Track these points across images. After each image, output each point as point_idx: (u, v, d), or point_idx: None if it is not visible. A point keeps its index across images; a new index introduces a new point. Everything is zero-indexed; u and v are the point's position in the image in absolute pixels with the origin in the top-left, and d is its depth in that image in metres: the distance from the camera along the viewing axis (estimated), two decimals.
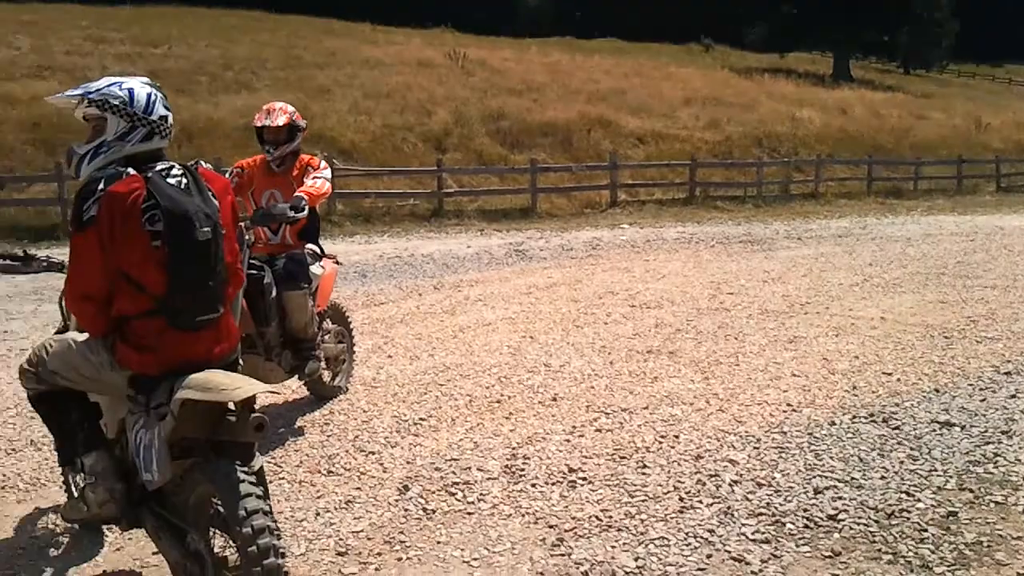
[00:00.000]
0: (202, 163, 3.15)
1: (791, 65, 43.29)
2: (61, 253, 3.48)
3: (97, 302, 2.92)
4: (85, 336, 3.08)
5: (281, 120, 5.23)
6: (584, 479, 4.43)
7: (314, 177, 5.20)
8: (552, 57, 31.19)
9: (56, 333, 3.64)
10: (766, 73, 36.40)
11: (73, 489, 3.64)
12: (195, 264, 2.85)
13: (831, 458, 4.70)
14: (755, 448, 4.86)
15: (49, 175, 14.22)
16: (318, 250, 5.50)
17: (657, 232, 15.56)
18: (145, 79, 3.06)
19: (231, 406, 2.83)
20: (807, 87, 32.83)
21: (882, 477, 4.43)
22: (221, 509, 2.76)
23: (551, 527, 3.92)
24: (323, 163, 5.43)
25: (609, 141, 21.15)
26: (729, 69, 36.28)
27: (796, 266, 11.57)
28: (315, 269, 5.31)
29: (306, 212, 4.94)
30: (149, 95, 2.98)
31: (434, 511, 4.07)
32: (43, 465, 4.61)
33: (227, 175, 4.80)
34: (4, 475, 4.50)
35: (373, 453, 4.79)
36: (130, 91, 2.94)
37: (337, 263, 5.83)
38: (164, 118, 2.98)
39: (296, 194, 4.98)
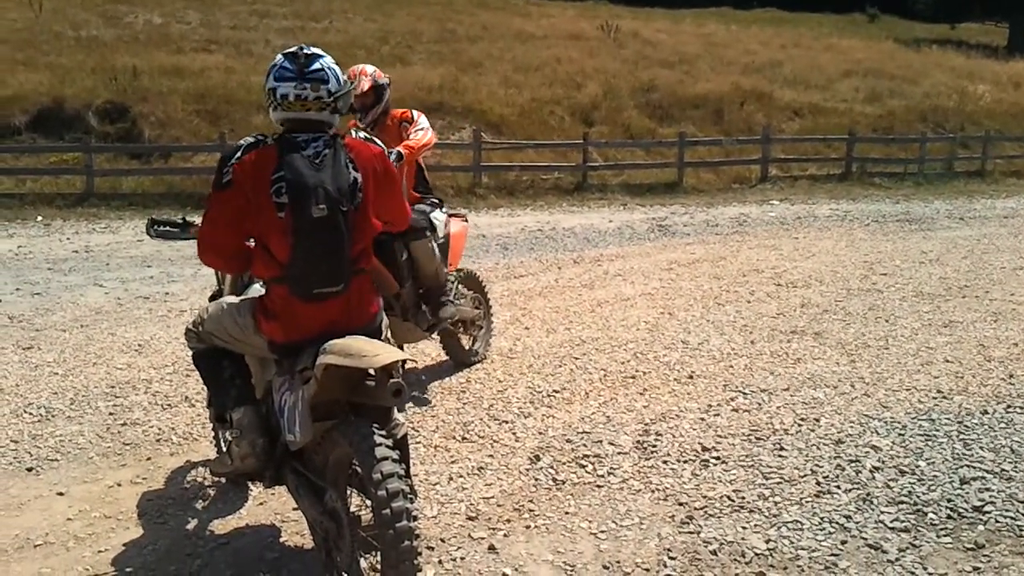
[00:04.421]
0: (352, 133, 3.18)
1: (962, 36, 40.59)
2: None
3: (224, 258, 3.11)
4: (236, 299, 3.26)
5: (365, 85, 5.20)
6: (717, 458, 4.38)
7: (416, 130, 5.25)
8: (707, 28, 30.37)
9: (210, 298, 3.86)
10: (934, 44, 34.31)
11: (222, 445, 3.87)
12: (311, 238, 2.89)
13: (981, 448, 4.49)
14: (900, 435, 4.68)
15: (213, 144, 14.88)
16: (435, 200, 5.53)
17: (809, 209, 15.03)
18: (292, 48, 3.10)
19: (371, 371, 2.91)
20: (978, 59, 30.69)
21: None
22: (359, 470, 2.86)
23: (681, 504, 3.89)
24: (417, 113, 5.42)
25: (763, 114, 20.48)
26: (894, 40, 34.37)
27: (956, 247, 10.98)
28: (436, 214, 5.37)
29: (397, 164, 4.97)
30: (269, 67, 3.06)
31: (564, 482, 4.11)
32: (195, 421, 4.91)
33: None
34: (159, 429, 4.82)
35: (507, 422, 4.87)
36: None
37: (465, 221, 5.90)
38: (272, 91, 3.01)
39: (395, 149, 5.03)
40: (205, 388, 3.55)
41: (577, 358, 6.08)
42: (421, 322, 5.27)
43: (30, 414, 4.99)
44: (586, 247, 11.06)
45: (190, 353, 3.48)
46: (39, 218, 12.95)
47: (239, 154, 2.94)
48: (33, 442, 4.60)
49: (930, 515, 3.77)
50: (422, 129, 5.27)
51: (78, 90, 16.20)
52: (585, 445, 4.53)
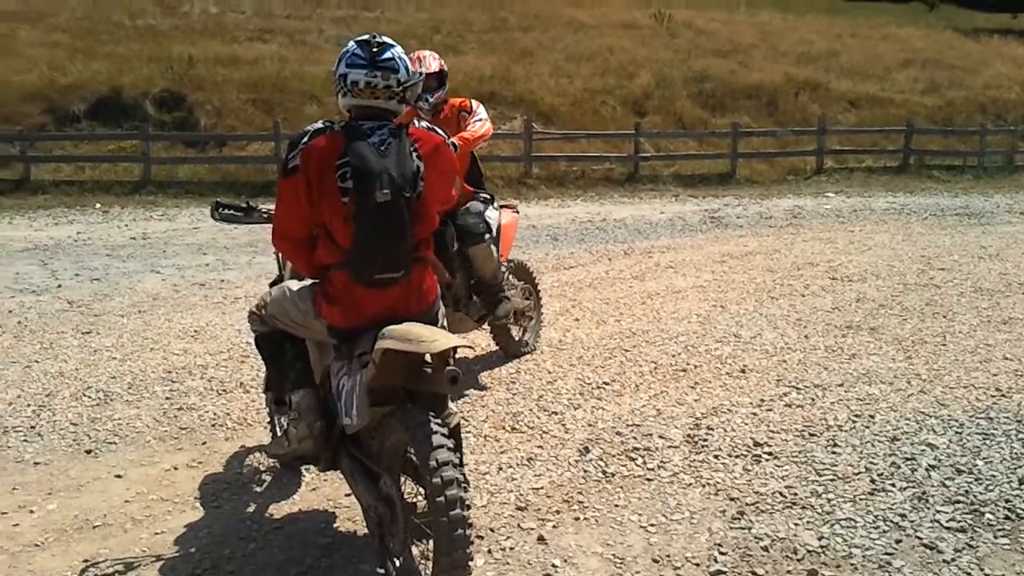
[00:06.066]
0: (415, 122, 3.21)
1: None
2: None
3: (295, 243, 3.16)
4: (298, 284, 3.31)
5: (435, 65, 5.14)
6: (770, 454, 4.33)
7: (474, 121, 5.19)
8: (762, 17, 29.90)
9: (271, 284, 3.92)
10: (995, 34, 33.39)
11: (278, 428, 3.92)
12: (374, 224, 2.91)
13: None
14: (957, 433, 4.59)
15: (267, 134, 15.08)
16: (487, 196, 5.49)
17: (865, 201, 14.78)
18: (364, 36, 3.11)
19: (428, 358, 2.93)
20: None
21: None
22: (414, 457, 2.87)
23: (732, 499, 3.85)
24: (475, 103, 5.34)
25: (818, 105, 20.17)
26: (954, 29, 33.53)
27: (1016, 242, 10.72)
28: (490, 213, 5.34)
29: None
30: (341, 54, 3.10)
31: (613, 474, 4.10)
32: (250, 406, 4.98)
33: None
34: (215, 414, 4.89)
35: (556, 413, 4.86)
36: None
37: (516, 212, 5.90)
38: (343, 77, 3.04)
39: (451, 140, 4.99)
40: (265, 370, 3.61)
41: (627, 350, 6.05)
42: (472, 313, 5.28)
43: (89, 398, 5.10)
44: (637, 238, 10.99)
45: (252, 336, 3.54)
46: (98, 205, 13.23)
47: (306, 139, 2.98)
48: (92, 425, 4.70)
49: (987, 515, 3.69)
50: (480, 120, 5.21)
51: (135, 79, 16.50)
52: (635, 438, 4.51)
